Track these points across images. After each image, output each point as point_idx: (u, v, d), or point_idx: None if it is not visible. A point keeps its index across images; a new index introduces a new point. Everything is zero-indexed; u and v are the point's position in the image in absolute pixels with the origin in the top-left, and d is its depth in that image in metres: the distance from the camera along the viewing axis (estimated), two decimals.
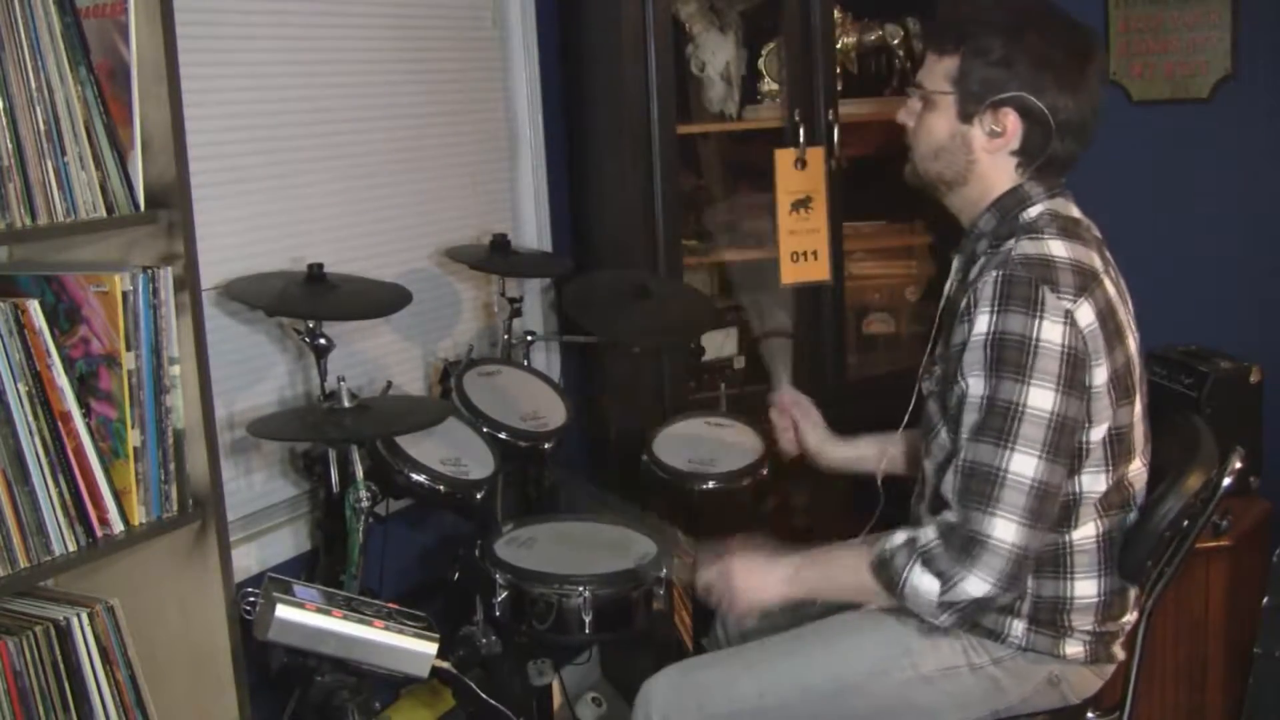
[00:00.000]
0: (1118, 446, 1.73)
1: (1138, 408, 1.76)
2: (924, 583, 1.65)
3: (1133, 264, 3.17)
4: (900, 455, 2.08)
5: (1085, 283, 1.67)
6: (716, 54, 3.17)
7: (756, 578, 1.83)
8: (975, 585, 1.62)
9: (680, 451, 2.59)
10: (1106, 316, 1.68)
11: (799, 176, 3.02)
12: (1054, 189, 1.80)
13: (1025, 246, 1.69)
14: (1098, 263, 1.72)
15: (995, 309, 1.64)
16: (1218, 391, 2.84)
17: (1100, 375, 1.67)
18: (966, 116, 1.77)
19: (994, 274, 1.66)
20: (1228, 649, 2.75)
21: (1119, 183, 3.23)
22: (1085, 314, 1.65)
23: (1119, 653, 1.83)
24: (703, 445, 2.63)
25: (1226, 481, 1.82)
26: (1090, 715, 1.89)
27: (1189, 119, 3.13)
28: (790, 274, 3.05)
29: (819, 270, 3.08)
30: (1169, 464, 1.84)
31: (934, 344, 1.87)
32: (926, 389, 1.85)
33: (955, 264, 1.88)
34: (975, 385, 1.65)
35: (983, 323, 1.65)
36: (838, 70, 3.11)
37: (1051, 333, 1.62)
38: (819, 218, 3.05)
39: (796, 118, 3.00)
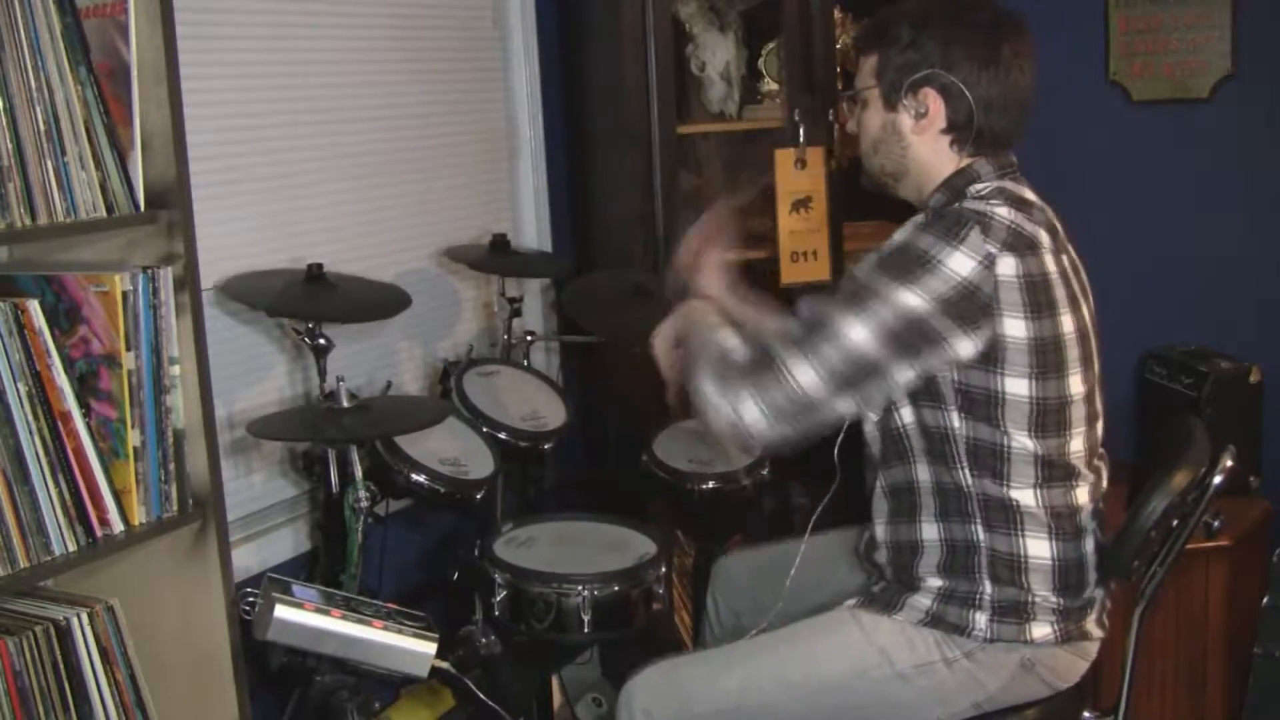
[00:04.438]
0: (1046, 417, 1.73)
1: (1075, 387, 1.76)
2: (715, 401, 1.71)
3: (1133, 264, 3.21)
4: None
5: (1017, 243, 1.69)
6: (716, 54, 3.17)
7: (706, 282, 1.94)
8: (749, 410, 1.68)
9: (680, 451, 2.59)
10: (1036, 284, 1.69)
11: (799, 176, 3.02)
12: (1004, 168, 1.82)
13: (970, 203, 1.76)
14: (1042, 238, 1.73)
15: (916, 228, 1.72)
16: (1218, 391, 2.84)
17: (1017, 329, 1.68)
18: (891, 104, 1.83)
19: (933, 210, 1.76)
20: (1228, 649, 2.75)
21: (1119, 182, 3.24)
22: (1007, 265, 1.67)
23: (1093, 629, 1.84)
24: (703, 445, 2.63)
25: (1217, 480, 1.81)
26: (1087, 715, 1.90)
27: (1189, 119, 3.12)
28: (790, 274, 3.05)
29: (819, 270, 3.07)
30: (1160, 462, 1.84)
31: None
32: None
33: None
34: (859, 270, 1.73)
35: (899, 234, 1.74)
36: (838, 70, 3.11)
37: (959, 264, 1.66)
38: (819, 218, 3.05)
39: (796, 118, 3.00)
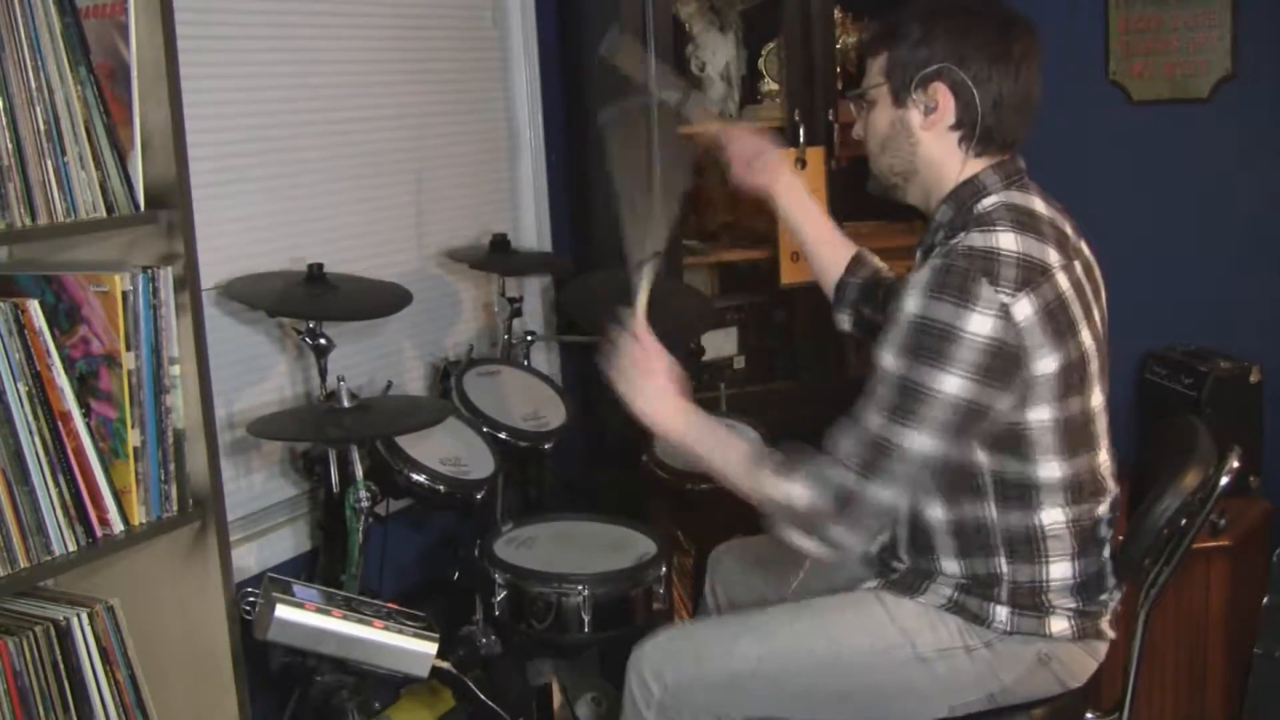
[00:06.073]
0: (1072, 436, 1.73)
1: (1095, 399, 1.77)
2: (805, 544, 1.71)
3: (1133, 264, 3.20)
4: (832, 258, 2.23)
5: (1029, 277, 1.67)
6: (716, 54, 3.17)
7: (658, 401, 1.86)
8: (848, 539, 1.70)
9: (680, 451, 2.59)
10: (1054, 311, 1.67)
11: (799, 176, 3.01)
12: (1012, 177, 1.80)
13: (974, 238, 1.70)
14: (1051, 258, 1.71)
15: (927, 294, 1.65)
16: (1218, 391, 2.84)
17: (1047, 365, 1.67)
18: (900, 101, 1.81)
19: (936, 261, 1.68)
20: (1228, 649, 2.75)
21: (1119, 183, 3.24)
22: (1023, 308, 1.65)
23: (1108, 630, 1.84)
24: None
25: (1224, 480, 1.82)
26: (1090, 715, 1.90)
27: (1189, 119, 3.12)
28: (790, 274, 3.05)
29: None
30: (1166, 463, 1.84)
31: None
32: None
33: (917, 258, 1.89)
34: (889, 360, 1.67)
35: (912, 304, 1.66)
36: (838, 70, 3.11)
37: (980, 325, 1.63)
38: None
39: (796, 118, 3.00)
